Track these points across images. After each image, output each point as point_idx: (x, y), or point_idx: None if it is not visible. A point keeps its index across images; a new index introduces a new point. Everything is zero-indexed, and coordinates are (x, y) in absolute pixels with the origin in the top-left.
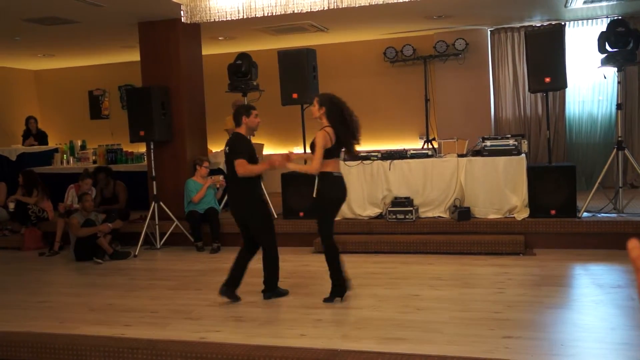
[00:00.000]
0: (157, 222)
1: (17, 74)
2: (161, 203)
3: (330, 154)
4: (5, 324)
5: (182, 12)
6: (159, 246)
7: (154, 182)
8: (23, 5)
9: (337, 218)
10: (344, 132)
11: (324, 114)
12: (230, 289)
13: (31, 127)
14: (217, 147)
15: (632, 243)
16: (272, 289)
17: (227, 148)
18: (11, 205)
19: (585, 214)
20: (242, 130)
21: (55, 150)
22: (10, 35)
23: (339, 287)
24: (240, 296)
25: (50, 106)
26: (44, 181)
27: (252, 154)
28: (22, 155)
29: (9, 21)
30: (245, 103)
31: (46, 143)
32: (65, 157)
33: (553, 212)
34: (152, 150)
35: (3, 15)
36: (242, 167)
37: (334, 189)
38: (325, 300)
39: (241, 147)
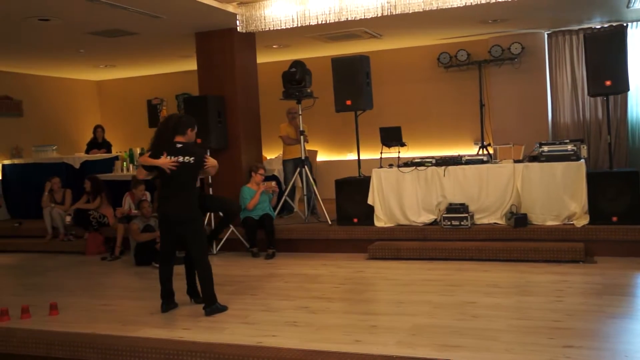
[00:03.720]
0: (213, 228)
1: (81, 84)
2: None
3: None
4: (72, 325)
5: (237, 22)
6: (215, 252)
7: (210, 189)
8: (89, 20)
9: (391, 225)
10: None
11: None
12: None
13: (98, 136)
14: (272, 154)
15: None
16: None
17: (193, 159)
18: (68, 219)
19: None
20: (184, 139)
21: (116, 157)
22: (76, 48)
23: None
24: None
25: (111, 115)
26: (106, 187)
27: None
28: (85, 163)
29: (75, 35)
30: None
31: (110, 152)
32: (125, 165)
33: (615, 218)
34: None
35: (70, 30)
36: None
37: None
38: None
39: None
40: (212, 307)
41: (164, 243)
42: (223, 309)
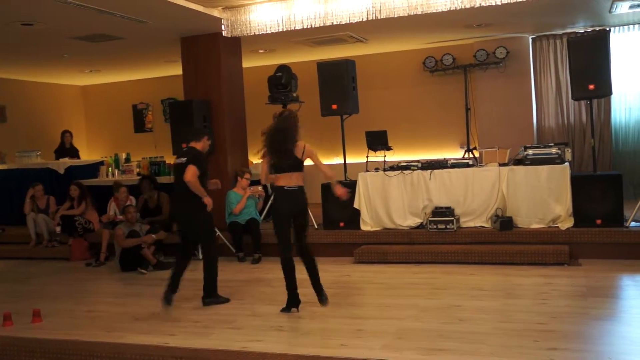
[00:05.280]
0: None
1: (65, 89)
2: None
3: (281, 169)
4: (55, 333)
5: (223, 27)
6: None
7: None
8: (73, 24)
9: (377, 229)
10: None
11: None
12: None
13: (65, 141)
14: (258, 158)
15: None
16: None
17: (185, 159)
18: (58, 229)
19: (633, 224)
20: (198, 146)
21: (101, 163)
22: (59, 53)
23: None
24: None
25: (96, 120)
26: (91, 193)
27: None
28: (70, 169)
29: (58, 40)
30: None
31: (78, 159)
32: (110, 170)
33: (599, 221)
34: None
35: (53, 34)
36: (192, 176)
37: (284, 203)
38: (283, 310)
39: (203, 159)
40: (210, 299)
41: (179, 238)
42: (224, 300)
